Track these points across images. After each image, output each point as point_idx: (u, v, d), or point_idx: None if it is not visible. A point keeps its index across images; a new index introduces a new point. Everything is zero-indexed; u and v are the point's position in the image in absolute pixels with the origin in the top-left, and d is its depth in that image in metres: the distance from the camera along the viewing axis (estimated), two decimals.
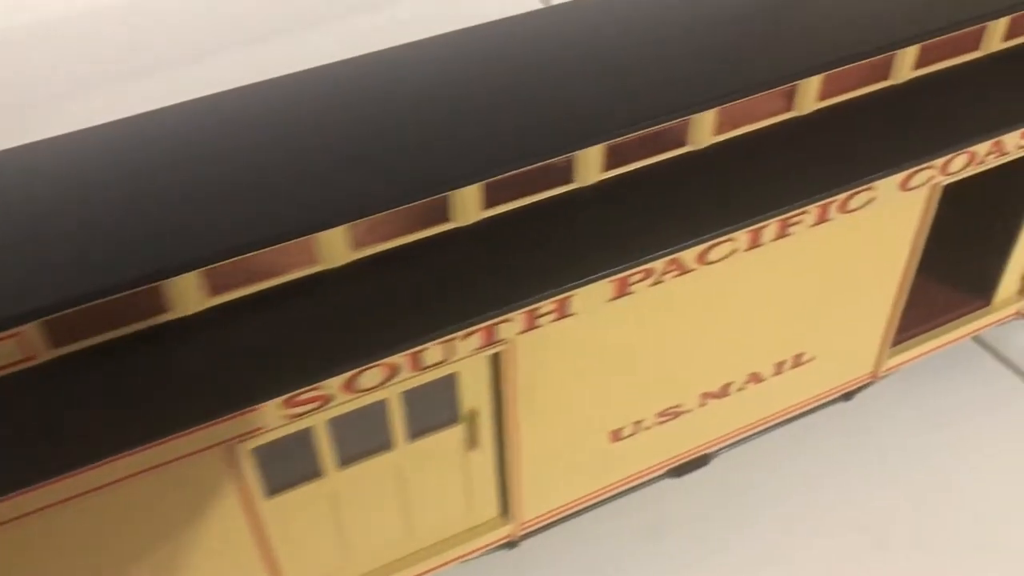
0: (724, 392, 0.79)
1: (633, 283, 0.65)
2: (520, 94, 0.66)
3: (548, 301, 0.62)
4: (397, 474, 0.68)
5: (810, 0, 0.75)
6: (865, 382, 0.89)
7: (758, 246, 0.69)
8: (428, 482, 0.70)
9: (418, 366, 0.60)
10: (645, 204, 0.66)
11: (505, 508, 0.76)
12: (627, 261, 0.64)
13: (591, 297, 0.64)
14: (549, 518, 0.79)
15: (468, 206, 0.63)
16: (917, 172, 0.72)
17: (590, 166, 0.65)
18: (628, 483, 0.81)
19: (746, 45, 0.70)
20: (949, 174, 0.74)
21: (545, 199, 0.65)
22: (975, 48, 0.76)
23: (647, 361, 0.72)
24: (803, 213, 0.69)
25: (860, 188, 0.70)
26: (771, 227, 0.68)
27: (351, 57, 0.72)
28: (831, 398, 0.89)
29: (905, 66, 0.73)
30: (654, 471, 0.82)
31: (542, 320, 0.63)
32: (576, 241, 0.64)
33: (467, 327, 0.60)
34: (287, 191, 0.59)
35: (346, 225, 0.59)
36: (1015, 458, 0.94)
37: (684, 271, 0.67)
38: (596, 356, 0.69)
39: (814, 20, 0.73)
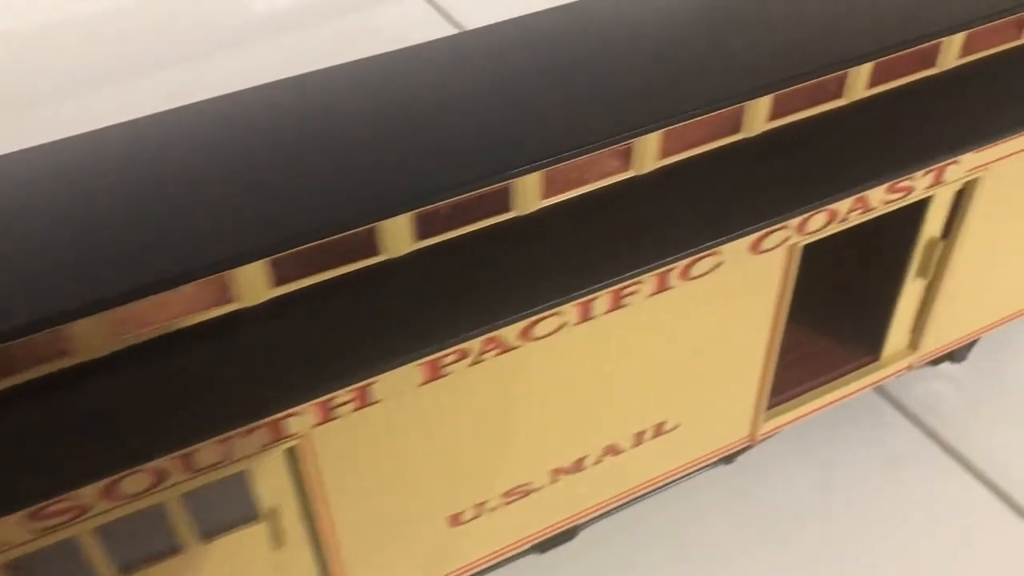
0: (578, 467, 0.74)
1: (447, 365, 0.59)
2: (314, 159, 0.61)
3: (344, 391, 0.56)
4: None
5: (648, 51, 0.69)
6: (742, 446, 0.84)
7: (590, 319, 0.63)
8: None
9: (192, 468, 0.54)
10: (461, 277, 0.60)
11: None
12: (434, 344, 0.58)
13: (397, 383, 0.58)
14: None
15: (256, 285, 0.57)
16: (769, 234, 0.67)
17: (398, 237, 0.59)
18: (480, 566, 0.75)
19: (577, 97, 0.65)
20: (808, 234, 0.69)
21: (345, 274, 0.59)
22: (837, 96, 0.71)
23: (480, 442, 0.66)
24: (638, 283, 0.63)
25: (703, 254, 0.64)
26: (602, 299, 0.63)
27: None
28: (706, 464, 0.83)
29: (758, 118, 0.68)
30: (510, 551, 0.76)
31: (340, 410, 0.57)
32: (380, 321, 0.58)
33: (245, 425, 0.54)
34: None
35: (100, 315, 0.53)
36: (912, 517, 0.89)
37: (507, 349, 0.61)
38: (415, 442, 0.63)
39: (654, 73, 0.67)
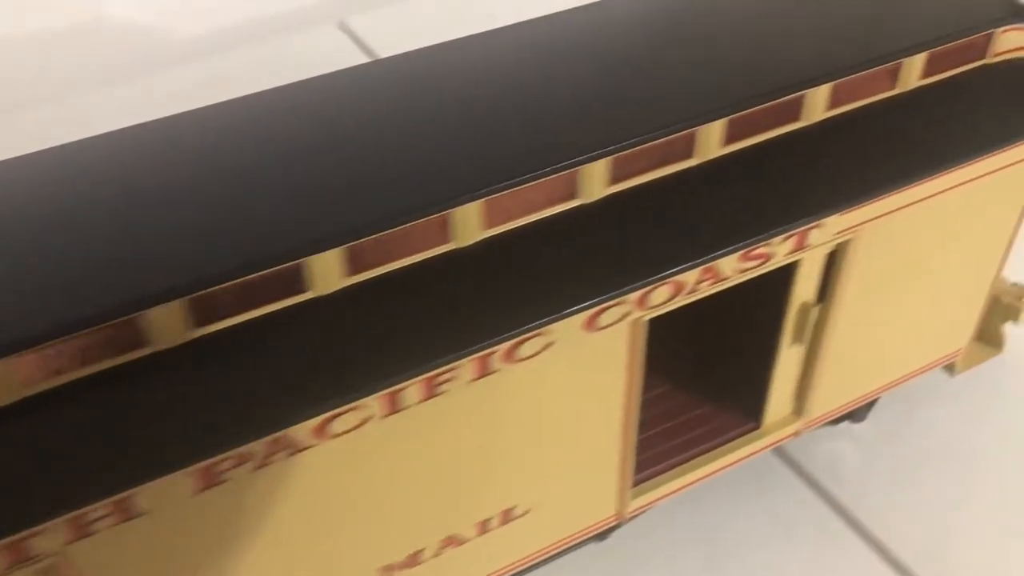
0: (413, 561, 0.67)
1: (225, 471, 0.53)
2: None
3: (96, 505, 0.50)
4: None
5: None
6: (610, 525, 0.78)
7: (400, 410, 0.57)
8: None
9: None
10: (241, 370, 0.54)
11: None
12: (203, 451, 0.51)
13: (165, 494, 0.52)
14: None
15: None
16: (604, 310, 0.61)
17: (166, 326, 0.53)
18: None
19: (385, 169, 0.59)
20: (651, 307, 0.63)
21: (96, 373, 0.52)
22: (686, 156, 0.66)
23: (281, 545, 0.60)
24: (453, 369, 0.57)
25: (527, 335, 0.59)
26: (412, 389, 0.57)
27: None
28: (571, 544, 0.77)
29: (595, 183, 0.62)
30: None
31: (97, 526, 0.51)
32: (147, 423, 0.52)
33: None
34: None
35: None
36: None
37: (300, 448, 0.55)
38: (199, 562, 0.56)
39: (473, 132, 0.62)
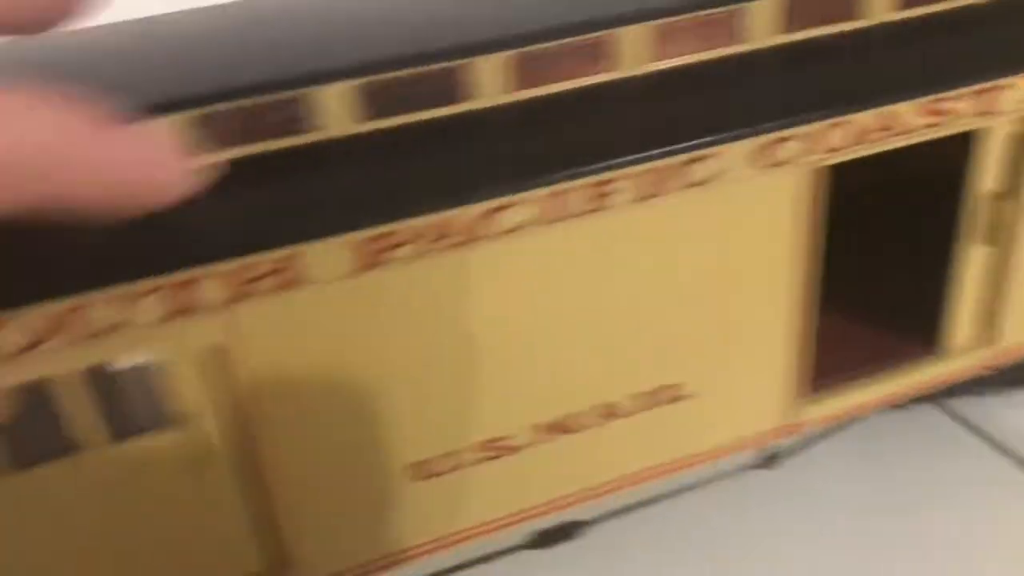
0: (566, 427, 0.64)
1: (386, 250, 0.52)
2: None
3: (266, 257, 0.50)
4: None
5: None
6: (779, 436, 0.72)
7: (564, 219, 0.55)
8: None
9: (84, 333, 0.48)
10: (413, 157, 0.54)
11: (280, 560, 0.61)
12: (367, 219, 0.51)
13: (324, 264, 0.51)
14: None
15: None
16: (780, 142, 0.58)
17: (342, 114, 0.54)
18: (454, 542, 0.65)
19: None
20: (829, 151, 0.60)
21: (287, 147, 0.53)
22: (861, 16, 0.63)
23: (440, 363, 0.58)
24: (621, 177, 0.55)
25: (701, 153, 0.56)
26: (577, 193, 0.55)
27: None
28: (739, 453, 0.71)
29: (764, 28, 0.61)
30: (491, 529, 0.66)
31: (261, 285, 0.51)
32: (311, 199, 0.52)
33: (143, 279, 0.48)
34: None
35: None
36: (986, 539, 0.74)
37: (466, 240, 0.54)
38: (358, 348, 0.55)
39: None
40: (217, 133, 0.51)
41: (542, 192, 0.54)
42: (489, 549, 0.72)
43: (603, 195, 0.56)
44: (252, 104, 0.51)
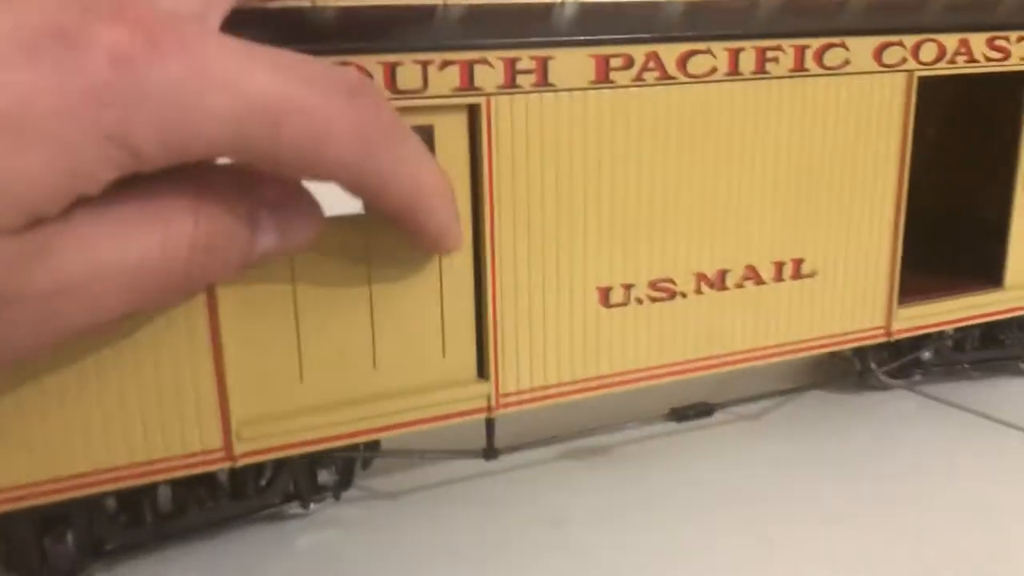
0: (721, 282, 0.75)
1: (613, 68, 0.66)
2: None
3: (527, 53, 0.63)
4: None
5: None
6: (878, 339, 0.83)
7: (737, 75, 0.70)
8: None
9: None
10: None
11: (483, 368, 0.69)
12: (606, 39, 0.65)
13: (571, 70, 0.65)
14: (532, 398, 0.70)
15: None
16: (888, 45, 0.75)
17: None
18: (625, 382, 0.73)
19: None
20: (922, 64, 0.77)
21: None
22: None
23: (631, 187, 0.69)
24: (778, 49, 0.71)
25: (833, 40, 0.73)
26: (747, 53, 0.70)
27: None
28: (840, 347, 0.82)
29: None
30: (653, 375, 0.74)
31: (521, 80, 0.64)
32: None
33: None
34: None
35: None
36: None
37: (665, 75, 0.68)
38: (576, 152, 0.67)
39: None
40: None
41: (724, 44, 0.69)
42: (629, 418, 0.80)
43: (766, 60, 0.71)
44: None
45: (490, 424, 0.71)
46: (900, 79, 0.77)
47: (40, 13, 0.38)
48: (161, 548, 0.68)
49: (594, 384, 0.72)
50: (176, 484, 0.66)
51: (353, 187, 0.51)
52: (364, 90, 0.48)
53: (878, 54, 0.75)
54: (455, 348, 0.67)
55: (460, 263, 0.66)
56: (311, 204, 0.54)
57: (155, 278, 0.45)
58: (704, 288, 0.74)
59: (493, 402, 0.69)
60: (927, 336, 0.88)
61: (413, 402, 0.66)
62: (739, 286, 0.76)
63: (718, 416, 0.81)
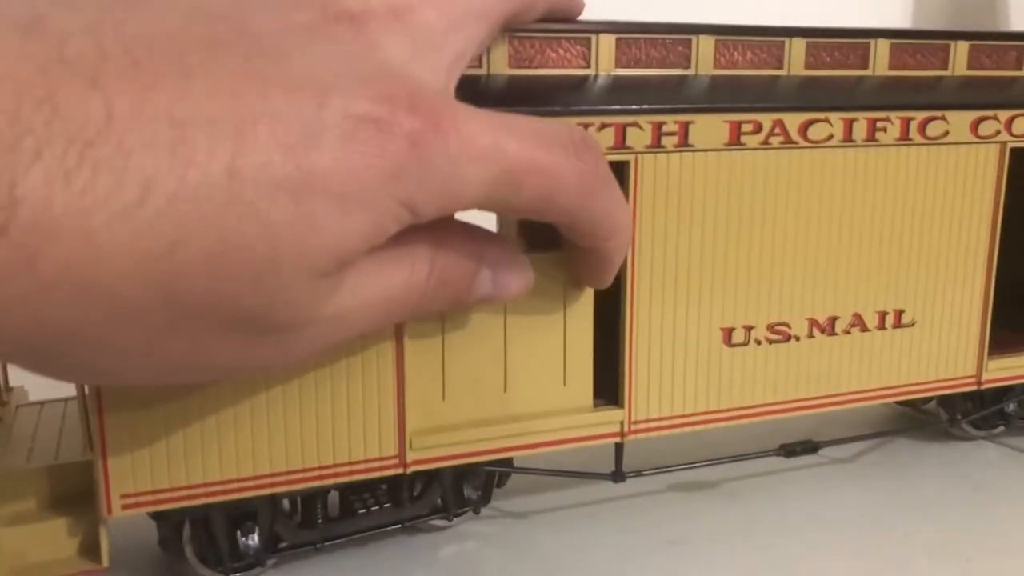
0: (830, 326, 0.82)
1: (744, 132, 0.75)
2: None
3: (672, 118, 0.72)
4: None
5: None
6: (968, 387, 0.90)
7: (850, 142, 0.79)
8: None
9: None
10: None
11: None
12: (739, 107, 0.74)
13: (708, 132, 0.74)
14: (659, 426, 0.78)
15: None
16: (983, 120, 0.83)
17: None
18: (743, 414, 0.80)
19: None
20: (1014, 136, 0.85)
21: None
22: None
23: (755, 238, 0.78)
24: (886, 120, 0.80)
25: (935, 113, 0.81)
26: (860, 123, 0.79)
27: None
28: (934, 393, 0.89)
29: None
30: (768, 412, 0.81)
31: (665, 141, 0.73)
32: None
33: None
34: None
35: None
36: None
37: (788, 140, 0.77)
38: (709, 206, 0.75)
39: None
40: None
41: (840, 115, 0.78)
42: (739, 451, 0.87)
43: (876, 130, 0.80)
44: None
45: (619, 448, 0.79)
46: (994, 150, 0.85)
47: (363, 101, 0.47)
48: (322, 551, 0.76)
49: (715, 416, 0.80)
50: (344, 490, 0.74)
51: (571, 226, 0.60)
52: (587, 143, 0.58)
53: (975, 127, 0.84)
54: (575, 378, 0.76)
55: (583, 302, 0.74)
56: (523, 266, 0.63)
57: (401, 306, 0.55)
58: (815, 332, 0.82)
59: (626, 427, 0.77)
60: (1010, 389, 0.95)
61: (550, 424, 0.75)
62: (846, 332, 0.83)
63: (813, 456, 0.89)
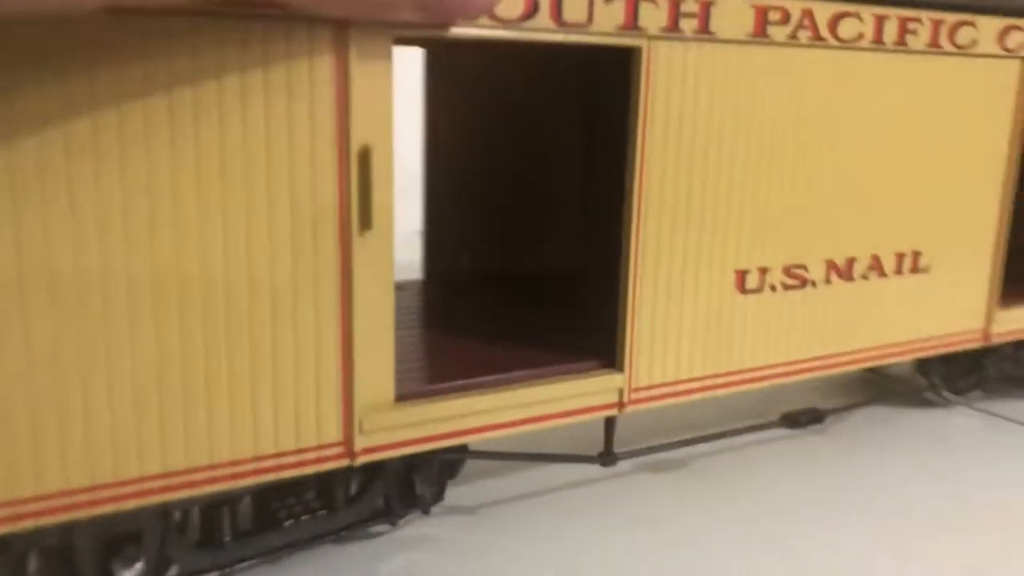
0: (848, 271, 0.68)
1: (771, 23, 0.60)
2: None
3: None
4: None
5: None
6: (975, 343, 0.78)
7: (880, 43, 0.65)
8: None
9: None
10: None
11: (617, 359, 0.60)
12: None
13: (732, 20, 0.58)
14: (663, 395, 0.62)
15: None
16: (1011, 28, 0.72)
17: None
18: (752, 377, 0.66)
19: None
20: None
21: None
22: None
23: (778, 164, 0.63)
24: (918, 21, 0.66)
25: (966, 17, 0.69)
26: (891, 22, 0.65)
27: None
28: (945, 350, 0.77)
29: None
30: (778, 374, 0.67)
31: (684, 24, 0.56)
32: None
33: None
34: None
35: None
36: None
37: (816, 35, 0.62)
38: (728, 112, 0.60)
39: None
40: None
41: (871, 9, 0.64)
42: (742, 424, 0.72)
43: (906, 32, 0.66)
44: None
45: (610, 423, 0.63)
46: (1015, 66, 0.73)
47: None
48: None
49: (724, 381, 0.64)
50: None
51: None
52: None
53: (1002, 37, 0.72)
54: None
55: None
56: None
57: None
58: (832, 277, 0.68)
59: (626, 396, 0.60)
60: (988, 352, 0.84)
61: (537, 395, 0.57)
62: (864, 277, 0.70)
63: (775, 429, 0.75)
